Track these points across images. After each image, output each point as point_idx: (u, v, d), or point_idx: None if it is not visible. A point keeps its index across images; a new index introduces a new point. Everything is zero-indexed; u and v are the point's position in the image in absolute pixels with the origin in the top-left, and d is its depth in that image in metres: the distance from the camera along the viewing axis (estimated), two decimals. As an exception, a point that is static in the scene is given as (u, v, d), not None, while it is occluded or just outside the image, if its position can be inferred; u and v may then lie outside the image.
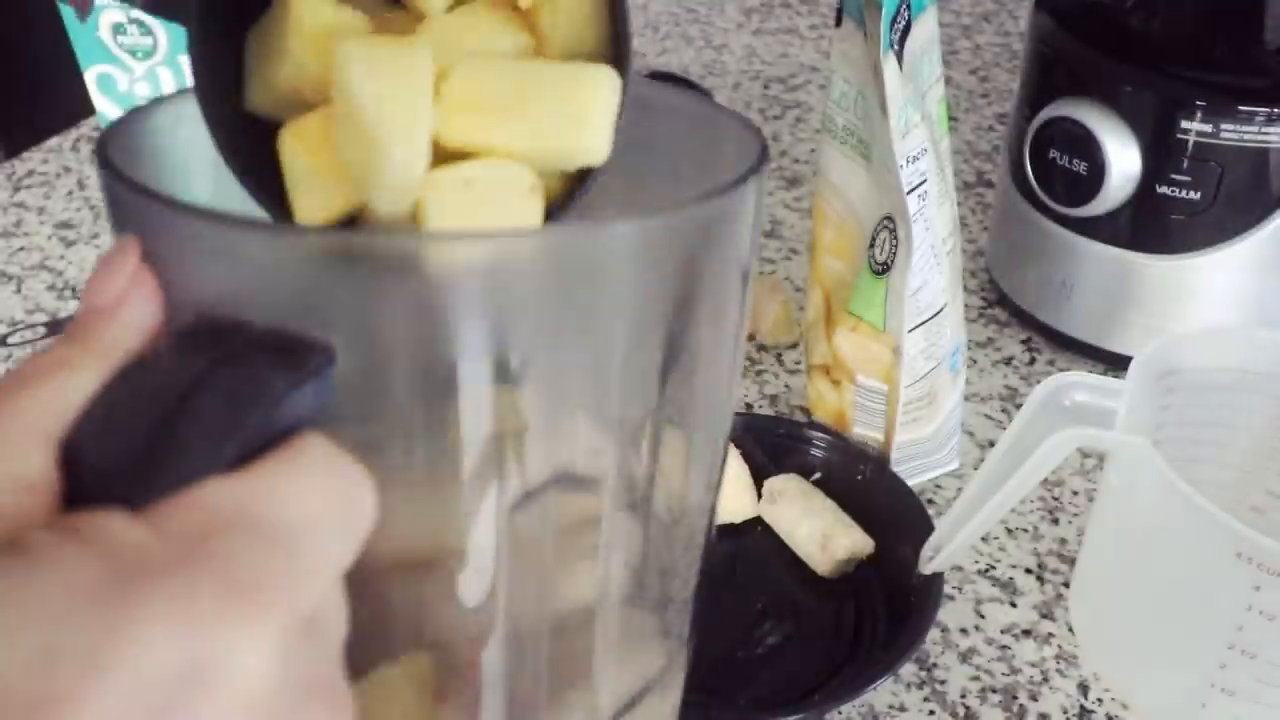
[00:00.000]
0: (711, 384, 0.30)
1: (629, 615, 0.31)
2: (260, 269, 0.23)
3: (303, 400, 0.22)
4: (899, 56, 0.48)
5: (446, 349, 0.24)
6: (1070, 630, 0.49)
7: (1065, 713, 0.46)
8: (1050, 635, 0.49)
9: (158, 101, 0.29)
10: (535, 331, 0.25)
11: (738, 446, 0.54)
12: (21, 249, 0.73)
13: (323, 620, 0.22)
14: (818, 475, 0.54)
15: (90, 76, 0.65)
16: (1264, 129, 0.53)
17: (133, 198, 0.24)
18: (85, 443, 0.22)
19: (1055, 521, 0.55)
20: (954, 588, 0.51)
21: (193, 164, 0.30)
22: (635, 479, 0.29)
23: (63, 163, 0.82)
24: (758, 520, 0.53)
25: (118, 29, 0.63)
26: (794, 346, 0.65)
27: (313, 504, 0.21)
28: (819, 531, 0.51)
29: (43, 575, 0.19)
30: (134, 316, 0.24)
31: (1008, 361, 0.64)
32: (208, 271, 0.24)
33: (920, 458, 0.56)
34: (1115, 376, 0.44)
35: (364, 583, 0.24)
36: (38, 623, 0.18)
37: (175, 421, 0.21)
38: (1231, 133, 0.54)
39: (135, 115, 0.28)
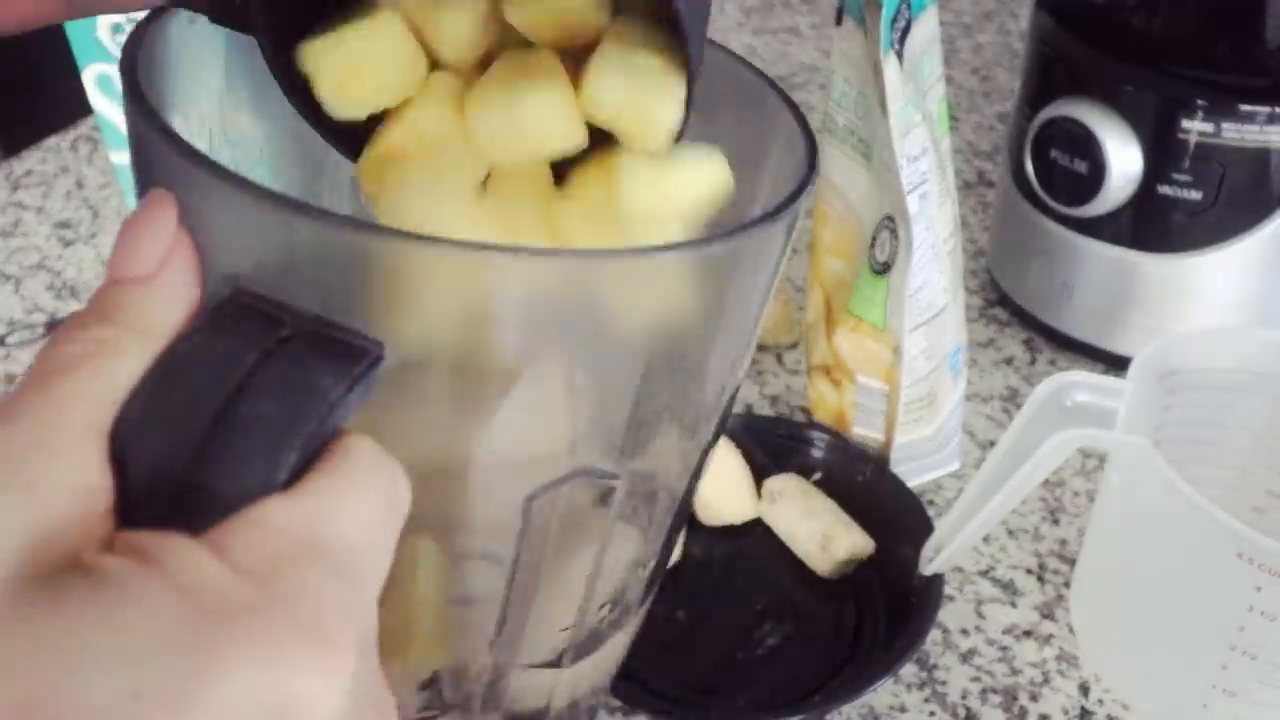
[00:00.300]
0: (722, 381, 0.30)
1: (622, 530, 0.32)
2: (309, 251, 0.22)
3: (352, 402, 0.21)
4: (899, 56, 0.48)
5: (489, 351, 0.24)
6: (1071, 631, 0.49)
7: (1066, 713, 0.46)
8: (1051, 636, 0.49)
9: (159, 14, 0.27)
10: (565, 342, 0.25)
11: (738, 446, 0.54)
12: (20, 249, 0.73)
13: (370, 632, 0.22)
14: (818, 475, 0.54)
15: (89, 76, 0.65)
16: (1265, 128, 0.53)
17: (172, 155, 0.23)
18: (134, 439, 0.21)
19: (1056, 522, 0.54)
20: (954, 588, 0.51)
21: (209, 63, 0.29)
22: (639, 470, 0.30)
23: (61, 162, 0.81)
24: (758, 521, 0.53)
25: (116, 29, 0.63)
26: (794, 346, 0.65)
27: (367, 516, 0.21)
28: (819, 532, 0.51)
29: (127, 611, 0.18)
30: (174, 289, 0.22)
31: (1008, 361, 0.64)
32: (255, 245, 0.23)
33: (921, 458, 0.56)
34: (1116, 376, 0.44)
35: None
36: (126, 662, 0.17)
37: (229, 425, 0.20)
38: (1233, 132, 0.54)
39: (150, 31, 0.27)
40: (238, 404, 0.20)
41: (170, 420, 0.21)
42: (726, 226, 0.26)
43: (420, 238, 0.22)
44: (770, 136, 0.30)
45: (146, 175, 0.24)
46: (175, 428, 0.20)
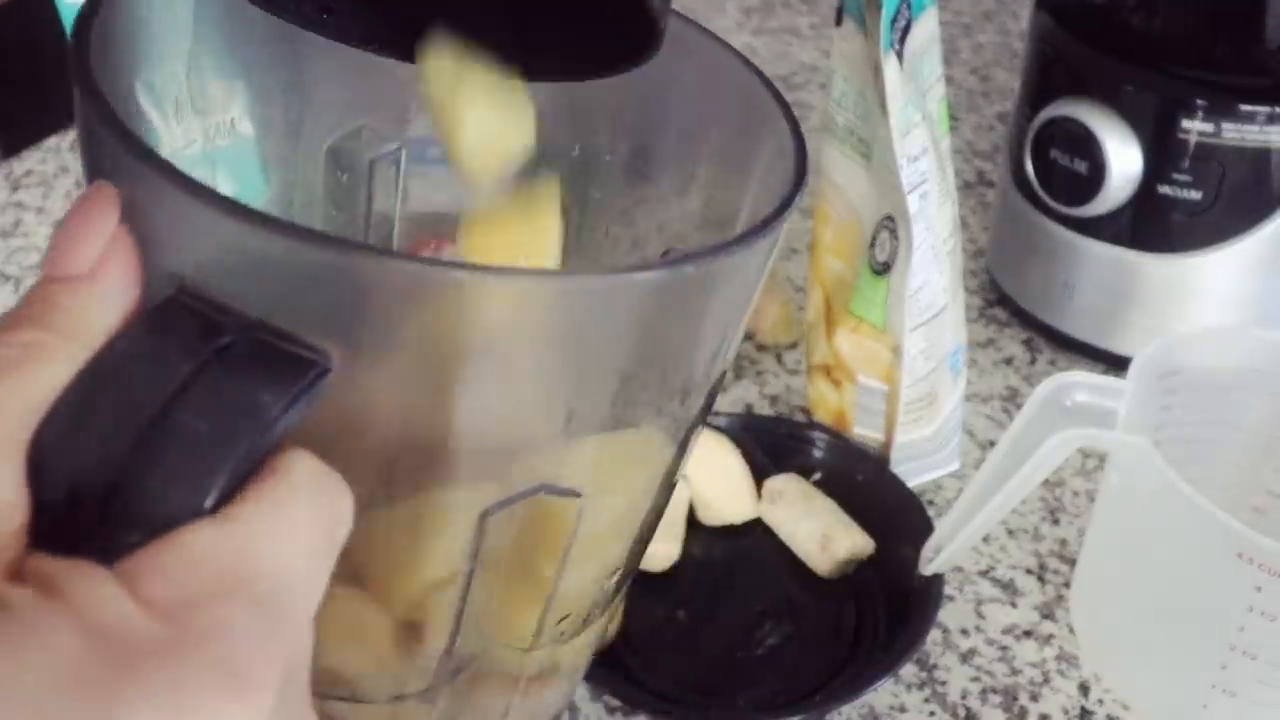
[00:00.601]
0: (701, 388, 0.29)
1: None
2: (260, 260, 0.21)
3: (293, 417, 0.20)
4: (899, 56, 0.48)
5: (449, 373, 0.23)
6: (1071, 631, 0.49)
7: (1066, 713, 0.46)
8: (1051, 636, 0.49)
9: None
10: (534, 362, 0.25)
11: (738, 446, 0.54)
12: (20, 249, 0.73)
13: (298, 659, 0.20)
14: (818, 476, 0.54)
15: (89, 76, 0.65)
16: (1265, 128, 0.53)
17: (115, 144, 0.21)
18: (54, 453, 0.19)
19: (1056, 522, 0.54)
20: (954, 588, 0.51)
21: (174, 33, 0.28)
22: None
23: (61, 162, 0.81)
24: (758, 521, 0.53)
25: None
26: (794, 346, 0.65)
27: (302, 540, 0.20)
28: (819, 532, 0.51)
29: (29, 651, 0.17)
30: (111, 290, 0.21)
31: (1008, 362, 0.64)
32: (200, 247, 0.21)
33: (921, 458, 0.56)
34: (1116, 376, 0.44)
35: None
36: (25, 705, 0.17)
37: (156, 441, 0.19)
38: (1233, 132, 0.54)
39: (105, 2, 0.25)
40: (167, 418, 0.19)
41: (93, 433, 0.19)
42: (708, 243, 0.25)
43: (378, 251, 0.21)
44: (762, 139, 0.30)
45: (92, 165, 0.23)
46: (98, 442, 0.19)
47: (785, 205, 0.26)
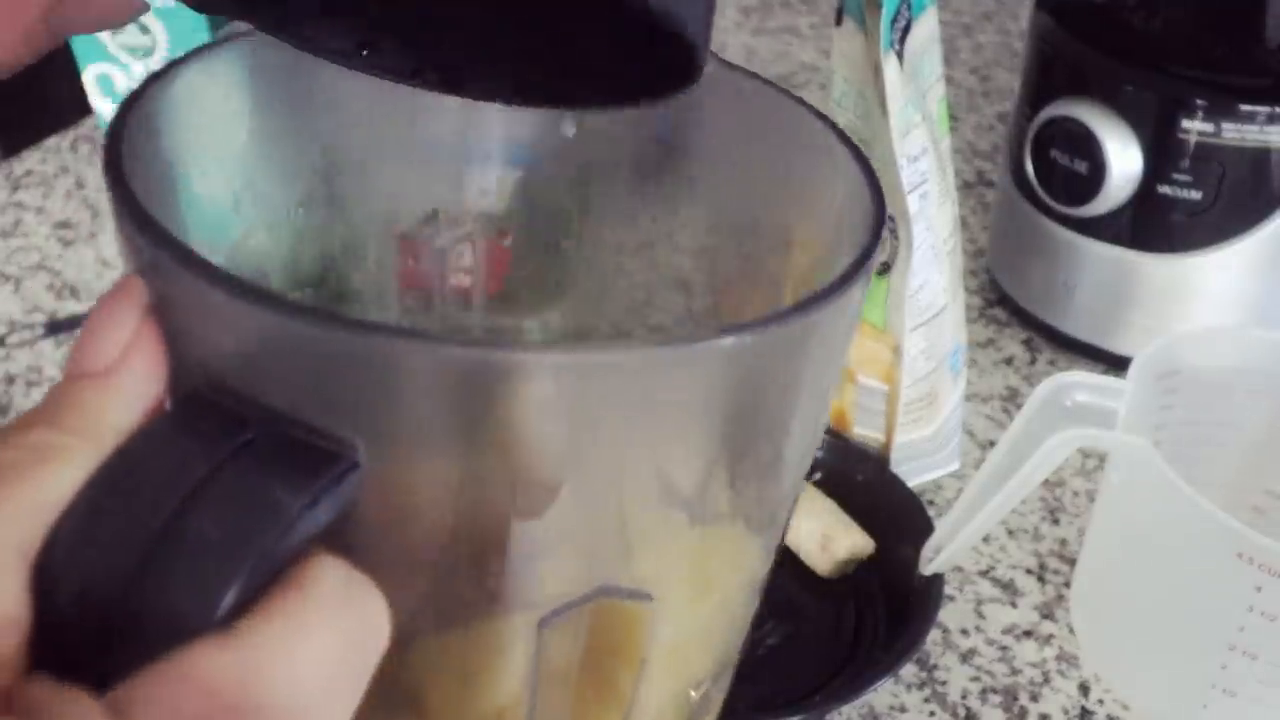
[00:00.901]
0: (784, 480, 0.27)
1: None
2: (286, 348, 0.20)
3: (317, 518, 0.19)
4: (899, 56, 0.48)
5: (501, 462, 0.21)
6: (1071, 631, 0.49)
7: (1066, 713, 0.46)
8: (1051, 636, 0.49)
9: (165, 73, 0.25)
10: (591, 446, 0.22)
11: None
12: (20, 249, 0.73)
13: None
14: (818, 475, 0.54)
15: (89, 76, 0.65)
16: (1265, 128, 0.53)
17: (140, 236, 0.20)
18: (62, 562, 0.18)
19: (1056, 522, 0.54)
20: (954, 588, 0.51)
21: (218, 128, 0.27)
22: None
23: (61, 163, 0.81)
24: (758, 520, 0.53)
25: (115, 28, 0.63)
26: (794, 346, 0.65)
27: (325, 659, 0.18)
28: (819, 532, 0.51)
29: None
30: (134, 386, 0.20)
31: (1008, 362, 0.64)
32: (226, 336, 0.20)
33: (920, 458, 0.56)
34: (1116, 376, 0.44)
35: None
36: None
37: (166, 547, 0.18)
38: (1233, 132, 0.54)
39: (149, 92, 0.24)
40: (177, 524, 0.18)
41: (101, 543, 0.18)
42: (775, 309, 0.22)
43: (418, 335, 0.19)
44: (830, 188, 0.28)
45: (123, 252, 0.22)
46: (105, 552, 0.18)
47: (867, 253, 0.24)
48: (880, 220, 0.26)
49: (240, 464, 0.18)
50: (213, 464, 0.18)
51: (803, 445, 0.26)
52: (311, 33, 0.25)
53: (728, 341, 0.21)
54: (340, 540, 0.19)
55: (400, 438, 0.20)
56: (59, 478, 0.18)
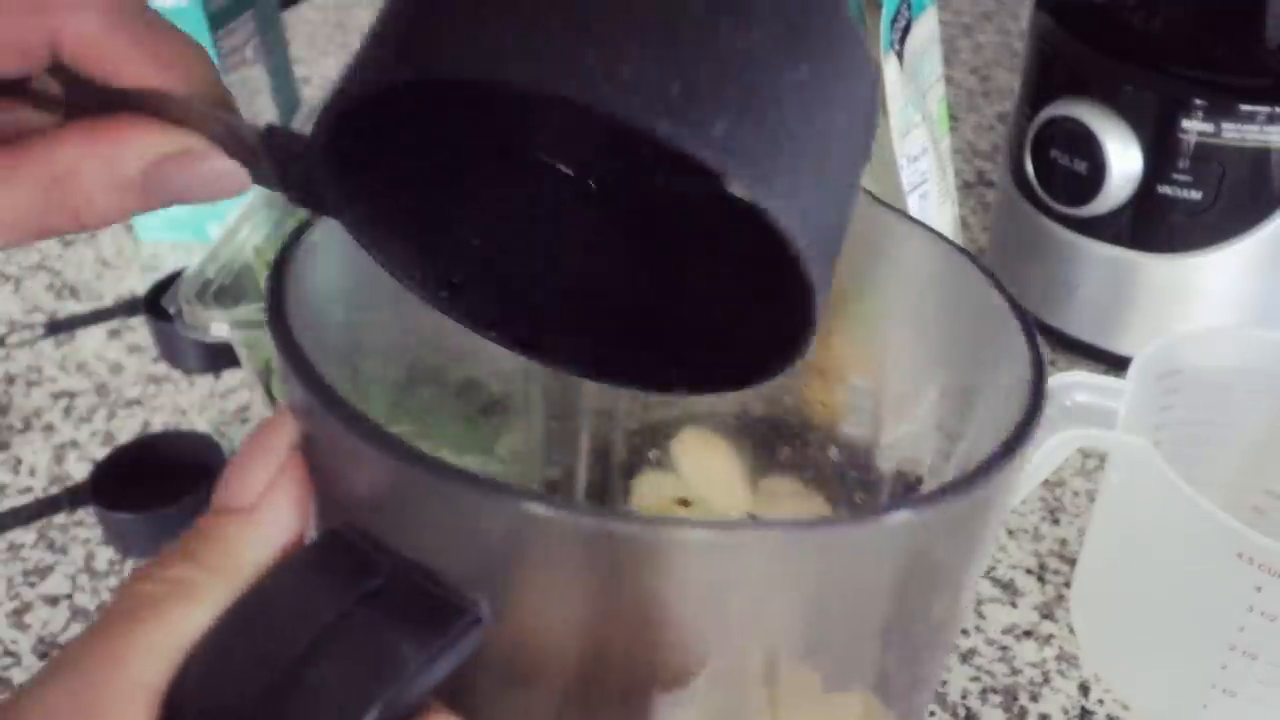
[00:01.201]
0: (933, 647, 0.26)
1: None
2: (431, 508, 0.20)
3: (437, 672, 0.19)
4: (899, 56, 0.48)
5: (624, 634, 0.21)
6: (1071, 631, 0.49)
7: (1066, 713, 0.46)
8: (1051, 636, 0.49)
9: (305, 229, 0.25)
10: (736, 623, 0.21)
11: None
12: (19, 249, 0.73)
13: None
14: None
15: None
16: (1265, 128, 0.53)
17: (298, 379, 0.20)
18: (191, 698, 0.18)
19: (1056, 522, 0.54)
20: (954, 588, 0.51)
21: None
22: None
23: (61, 162, 0.81)
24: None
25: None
26: (794, 346, 0.65)
27: None
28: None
29: None
30: (275, 523, 0.20)
31: (1008, 361, 0.64)
32: (370, 489, 0.20)
33: (920, 458, 0.56)
34: (1116, 376, 0.44)
35: None
36: None
37: (292, 692, 0.18)
38: (1233, 132, 0.54)
39: (300, 246, 0.24)
40: (304, 668, 0.18)
41: (229, 681, 0.18)
42: (933, 488, 0.22)
43: (550, 502, 0.19)
44: (989, 351, 0.27)
45: (284, 389, 0.22)
46: (233, 691, 0.18)
47: (1028, 422, 0.24)
48: (1039, 394, 0.25)
49: (367, 612, 0.19)
50: (342, 609, 0.18)
51: (944, 621, 0.26)
52: (401, 253, 0.24)
53: (901, 517, 0.21)
54: (462, 689, 0.19)
55: (528, 600, 0.20)
56: (193, 615, 0.19)
